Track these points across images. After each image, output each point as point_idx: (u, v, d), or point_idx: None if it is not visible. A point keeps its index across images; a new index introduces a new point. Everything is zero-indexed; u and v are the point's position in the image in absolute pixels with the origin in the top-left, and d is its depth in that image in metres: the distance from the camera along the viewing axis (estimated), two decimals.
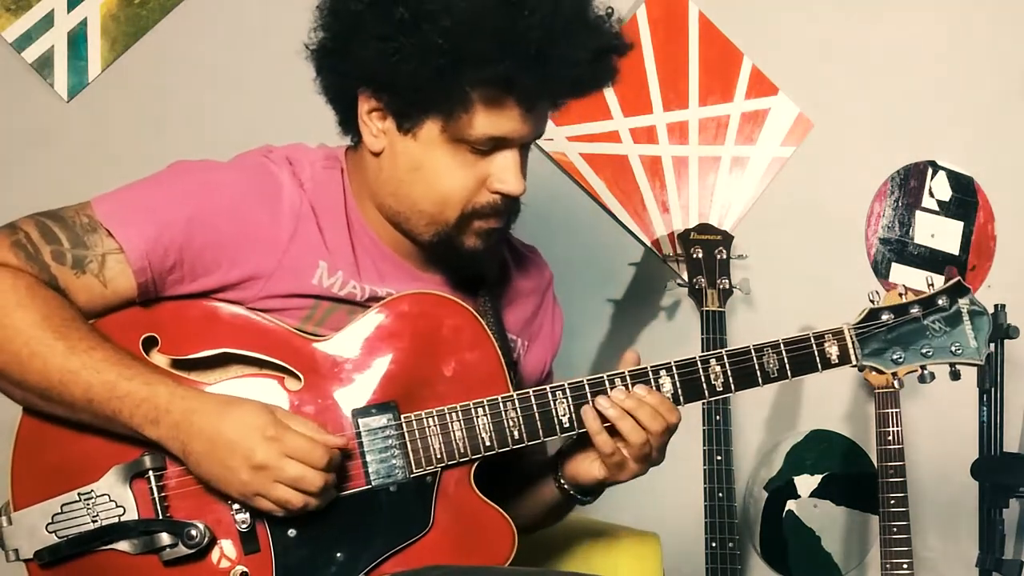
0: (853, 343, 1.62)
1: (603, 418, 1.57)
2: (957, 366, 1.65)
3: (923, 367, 1.65)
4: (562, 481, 1.68)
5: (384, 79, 1.52)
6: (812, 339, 1.61)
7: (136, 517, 1.49)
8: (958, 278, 1.66)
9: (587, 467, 1.64)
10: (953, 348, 1.64)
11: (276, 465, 1.44)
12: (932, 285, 1.66)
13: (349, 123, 1.63)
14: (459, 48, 1.46)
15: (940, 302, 1.64)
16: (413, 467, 1.55)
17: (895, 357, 1.63)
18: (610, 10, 1.58)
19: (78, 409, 1.48)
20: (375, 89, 1.55)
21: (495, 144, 1.55)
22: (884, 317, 1.63)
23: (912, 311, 1.64)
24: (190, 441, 1.46)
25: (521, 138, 1.56)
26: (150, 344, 1.55)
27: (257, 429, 1.45)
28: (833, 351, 1.62)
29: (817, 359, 1.61)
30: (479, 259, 1.64)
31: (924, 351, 1.64)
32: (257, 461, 1.44)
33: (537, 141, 1.58)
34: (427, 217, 1.59)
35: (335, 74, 1.60)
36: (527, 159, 1.61)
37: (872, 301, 1.65)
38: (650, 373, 1.59)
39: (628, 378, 1.58)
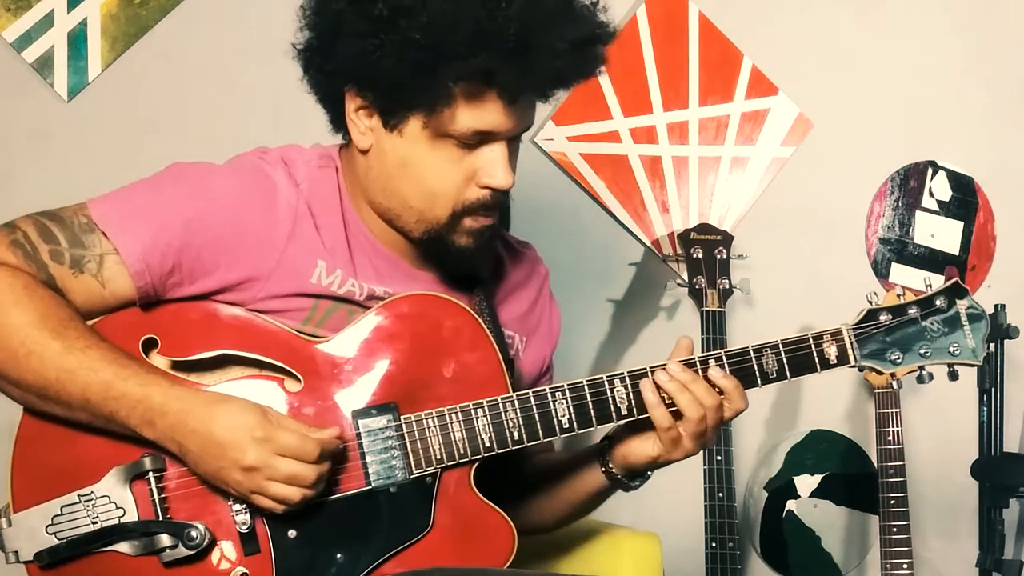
0: (852, 344, 1.62)
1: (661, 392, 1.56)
2: (955, 367, 1.65)
3: (921, 367, 1.65)
4: (611, 466, 1.67)
5: (367, 76, 1.53)
6: (811, 340, 1.61)
7: (136, 518, 1.49)
8: (956, 279, 1.66)
9: (640, 446, 1.62)
10: (951, 349, 1.63)
11: (267, 464, 1.44)
12: (930, 286, 1.66)
13: (339, 122, 1.64)
14: (437, 43, 1.46)
15: (938, 303, 1.64)
16: (413, 468, 1.55)
17: (894, 358, 1.63)
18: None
19: (76, 408, 1.48)
20: (360, 87, 1.56)
21: (481, 138, 1.55)
22: (882, 318, 1.63)
23: (910, 312, 1.63)
24: (185, 442, 1.46)
25: (506, 131, 1.55)
26: (150, 346, 1.55)
27: (246, 430, 1.44)
28: (832, 352, 1.61)
29: (816, 360, 1.61)
30: (471, 257, 1.64)
31: (922, 352, 1.63)
32: (247, 463, 1.44)
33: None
34: (416, 214, 1.59)
35: (321, 73, 1.60)
36: (517, 152, 1.60)
37: (870, 302, 1.65)
38: (649, 374, 1.58)
39: (628, 378, 1.58)
